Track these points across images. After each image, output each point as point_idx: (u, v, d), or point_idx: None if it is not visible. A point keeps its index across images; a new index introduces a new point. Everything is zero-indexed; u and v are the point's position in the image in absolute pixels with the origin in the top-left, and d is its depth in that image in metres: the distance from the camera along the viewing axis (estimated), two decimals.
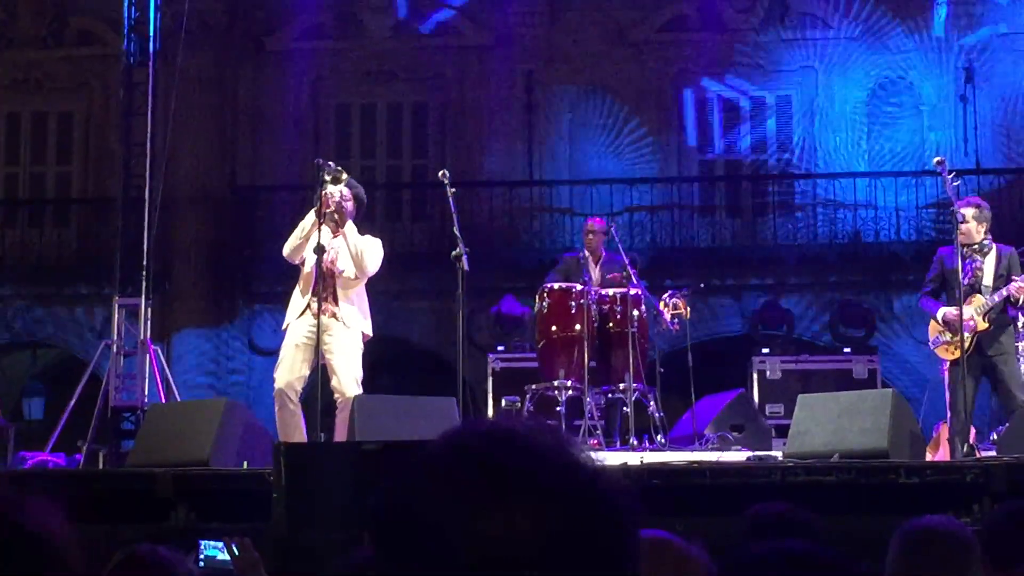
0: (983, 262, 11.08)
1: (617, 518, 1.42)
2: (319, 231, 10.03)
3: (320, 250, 9.98)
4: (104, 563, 5.08)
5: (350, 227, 10.34)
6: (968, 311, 10.83)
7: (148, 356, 15.01)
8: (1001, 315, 11.04)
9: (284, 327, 10.44)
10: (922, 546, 4.01)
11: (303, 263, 10.29)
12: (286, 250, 10.44)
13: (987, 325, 10.91)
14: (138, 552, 4.46)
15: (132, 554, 4.43)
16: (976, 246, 11.06)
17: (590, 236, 13.24)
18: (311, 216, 10.23)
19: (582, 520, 1.38)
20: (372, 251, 10.36)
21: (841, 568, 2.63)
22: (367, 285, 10.53)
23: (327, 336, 10.15)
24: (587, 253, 13.05)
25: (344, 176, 10.29)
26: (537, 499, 1.37)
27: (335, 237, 10.29)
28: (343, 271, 10.25)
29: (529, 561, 1.34)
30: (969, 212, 11.08)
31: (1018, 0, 22.11)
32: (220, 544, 5.64)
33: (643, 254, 18.19)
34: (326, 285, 10.14)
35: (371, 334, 10.50)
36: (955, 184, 10.53)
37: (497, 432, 1.46)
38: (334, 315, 10.21)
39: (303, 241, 10.23)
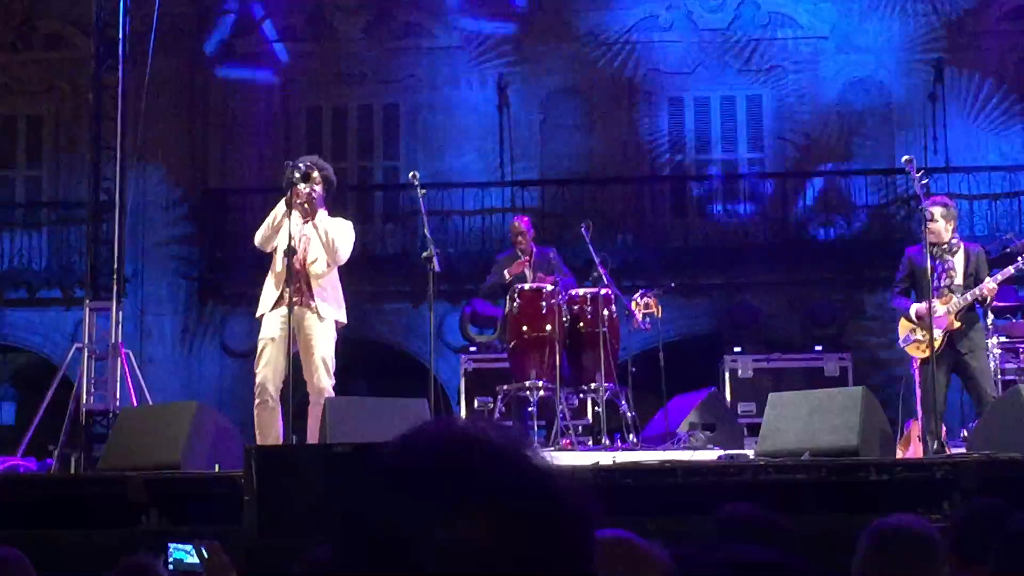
0: (953, 261, 11.14)
1: (573, 518, 1.42)
2: (289, 219, 10.02)
3: (291, 252, 9.96)
4: (80, 568, 5.09)
5: (321, 216, 10.33)
6: (941, 309, 10.91)
7: (120, 360, 14.97)
8: (970, 312, 11.10)
9: (258, 315, 10.40)
10: (888, 545, 4.03)
11: (275, 251, 10.26)
12: (257, 239, 10.43)
13: (959, 324, 10.96)
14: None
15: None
16: (945, 245, 11.13)
17: (518, 237, 13.26)
18: (281, 206, 10.21)
19: (537, 521, 1.38)
20: (343, 237, 10.33)
21: (799, 572, 2.63)
22: (339, 271, 10.52)
23: (301, 328, 10.14)
24: (519, 252, 13.10)
25: (315, 173, 10.27)
26: (490, 501, 1.37)
27: (306, 224, 10.27)
28: (315, 260, 10.23)
29: (484, 563, 1.34)
30: (937, 211, 11.13)
31: None
32: (189, 547, 5.60)
33: (614, 254, 18.20)
34: (298, 276, 10.12)
35: (345, 321, 10.49)
36: (923, 182, 10.55)
37: (450, 434, 1.45)
38: (308, 306, 10.19)
39: (273, 232, 10.21)
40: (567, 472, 1.44)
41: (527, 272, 12.71)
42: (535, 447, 1.47)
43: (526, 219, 13.84)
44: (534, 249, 13.14)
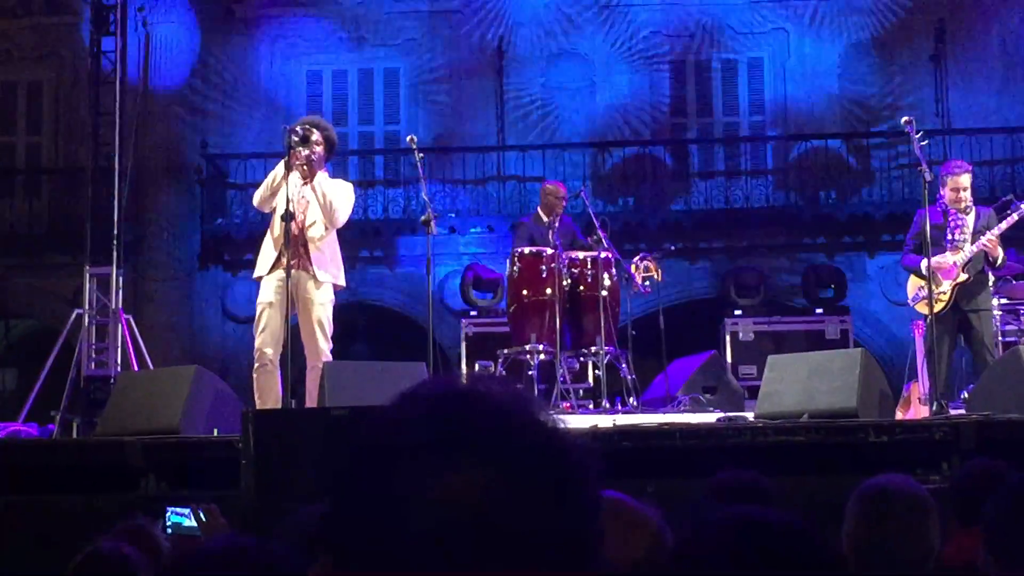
0: (966, 220, 11.31)
1: (579, 476, 1.41)
2: (287, 183, 9.97)
3: (288, 216, 9.92)
4: (79, 532, 5.08)
5: (321, 177, 10.26)
6: (951, 259, 11.10)
7: (120, 325, 14.99)
8: (980, 275, 11.21)
9: (255, 276, 10.36)
10: (879, 507, 4.02)
11: (273, 211, 10.20)
12: (255, 199, 10.38)
13: (967, 276, 11.07)
14: (102, 550, 4.43)
15: (94, 552, 4.41)
16: (963, 205, 11.27)
17: (551, 198, 13.06)
18: (281, 167, 10.14)
19: (543, 477, 1.37)
20: (342, 199, 10.25)
21: (796, 534, 2.61)
22: (339, 234, 10.48)
23: (299, 292, 10.12)
24: (542, 214, 12.96)
25: (314, 136, 10.21)
26: (496, 457, 1.36)
27: (305, 185, 10.21)
28: (313, 223, 10.18)
29: (488, 519, 1.33)
30: (968, 178, 11.38)
31: None
32: (187, 511, 5.61)
33: (615, 218, 18.20)
34: (296, 240, 10.07)
35: (344, 284, 10.45)
36: (923, 144, 10.58)
37: (455, 390, 1.44)
38: (305, 270, 10.15)
39: (272, 193, 10.14)
40: (573, 431, 1.43)
41: (550, 238, 12.57)
42: (540, 404, 1.46)
43: (561, 183, 13.75)
44: (559, 215, 13.01)
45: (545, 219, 12.80)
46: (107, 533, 4.91)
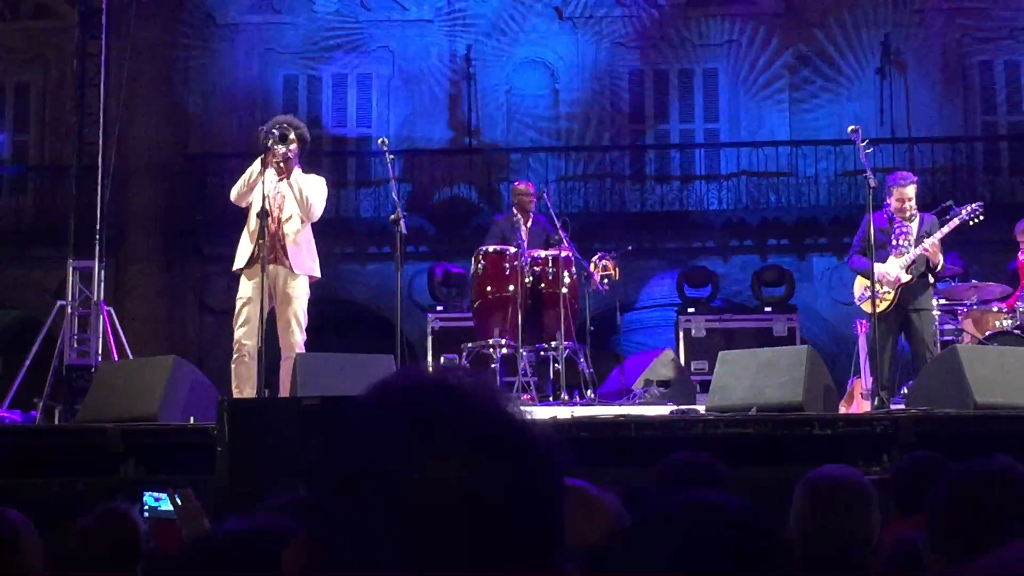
0: (910, 227, 11.38)
1: (546, 467, 1.40)
2: (263, 180, 9.96)
3: (263, 214, 9.89)
4: (61, 514, 5.05)
5: (296, 174, 10.27)
6: (896, 263, 11.16)
7: (102, 316, 14.91)
8: (922, 278, 11.27)
9: (234, 269, 10.34)
10: (824, 494, 4.04)
11: (249, 207, 10.18)
12: (233, 194, 10.36)
13: (910, 277, 11.13)
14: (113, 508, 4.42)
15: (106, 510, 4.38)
16: (908, 214, 11.35)
17: (521, 197, 13.11)
18: (257, 164, 10.14)
19: (512, 468, 1.36)
20: (316, 193, 10.28)
21: (746, 517, 2.61)
22: (314, 228, 10.48)
23: (276, 286, 10.11)
24: (517, 212, 12.96)
25: (291, 134, 10.21)
26: (466, 447, 1.35)
27: (281, 181, 10.20)
28: (290, 218, 10.17)
29: (459, 509, 1.32)
30: (913, 188, 11.49)
31: None
32: (163, 495, 5.58)
33: (575, 219, 18.15)
34: (273, 235, 10.06)
35: (319, 275, 10.45)
36: (868, 152, 10.62)
37: (426, 382, 1.43)
38: (282, 263, 10.14)
39: (248, 189, 10.13)
40: (543, 422, 1.42)
41: (523, 234, 12.57)
42: (508, 395, 1.45)
43: (530, 183, 13.76)
44: (532, 215, 13.01)
45: (518, 217, 12.81)
46: (87, 515, 4.88)
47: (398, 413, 1.38)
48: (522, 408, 1.43)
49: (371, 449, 1.36)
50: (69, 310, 15.13)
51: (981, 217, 11.71)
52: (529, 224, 12.72)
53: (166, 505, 5.64)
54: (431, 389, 1.41)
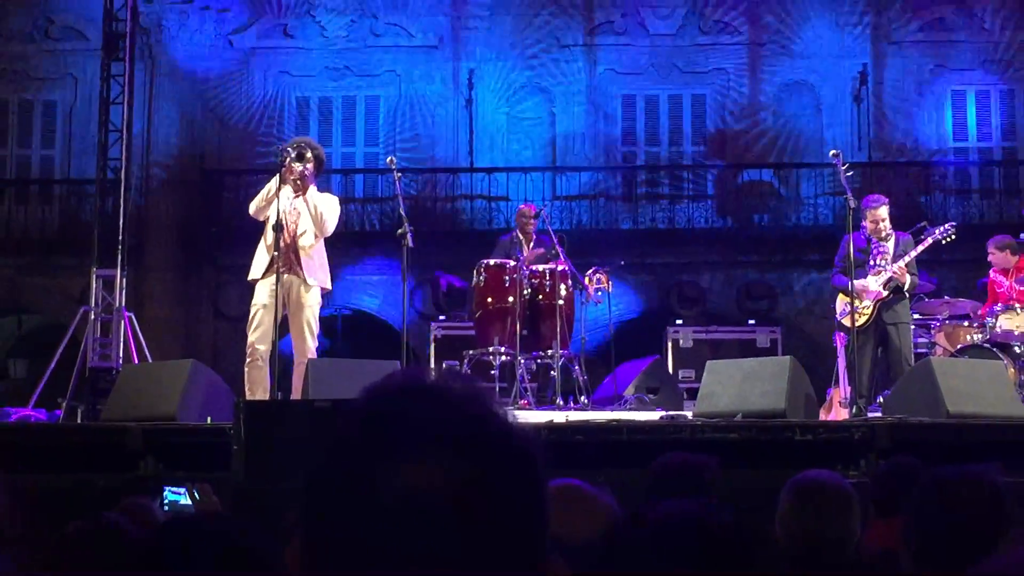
0: (887, 246, 11.42)
1: (530, 467, 1.39)
2: (279, 196, 9.99)
3: (279, 227, 9.92)
4: (83, 507, 5.04)
5: (311, 191, 10.29)
6: (875, 281, 11.18)
7: (123, 322, 14.92)
8: (898, 293, 11.31)
9: (249, 279, 10.34)
10: (808, 496, 4.04)
11: (266, 221, 10.20)
12: (251, 209, 10.37)
13: (887, 294, 11.15)
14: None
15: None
16: (883, 234, 11.37)
17: (522, 219, 13.18)
18: (275, 181, 10.18)
19: (497, 469, 1.35)
20: (330, 210, 10.31)
21: (721, 528, 2.63)
22: (326, 242, 10.50)
23: (290, 295, 10.12)
24: (519, 234, 13.00)
25: (308, 153, 10.24)
26: (453, 448, 1.34)
27: (297, 198, 10.22)
28: (304, 232, 10.19)
29: (447, 508, 1.31)
30: (886, 210, 11.55)
31: None
32: (182, 489, 5.58)
33: (570, 235, 18.18)
34: (287, 247, 10.09)
35: (330, 287, 10.47)
36: (847, 175, 10.65)
37: (412, 385, 1.42)
38: (296, 274, 10.16)
39: (267, 204, 10.16)
40: (523, 426, 1.41)
41: (526, 252, 12.57)
42: (494, 399, 1.44)
43: (532, 205, 13.76)
44: (534, 235, 13.01)
45: (521, 237, 12.84)
46: (111, 508, 4.87)
47: (389, 416, 1.37)
48: (507, 411, 1.43)
49: (360, 451, 1.36)
50: (92, 316, 15.14)
51: (953, 236, 11.75)
52: (531, 244, 12.74)
53: (185, 499, 5.64)
54: (420, 394, 1.40)
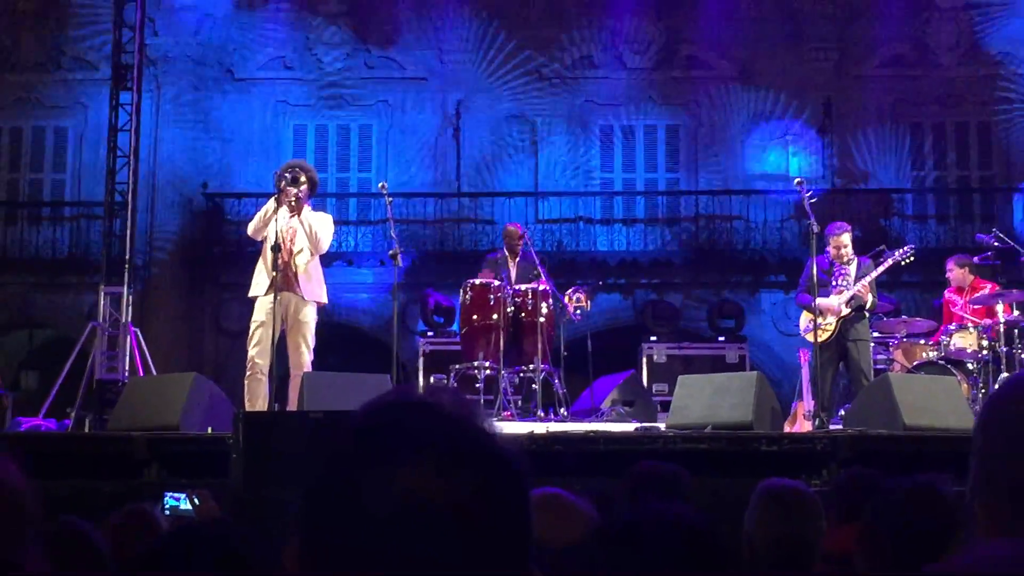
0: (848, 269, 11.43)
1: (514, 477, 1.41)
2: (276, 217, 10.00)
3: (276, 248, 9.92)
4: (90, 511, 5.02)
5: (306, 211, 10.28)
6: (837, 300, 11.22)
7: (129, 337, 14.89)
8: (859, 311, 11.32)
9: (250, 295, 10.32)
10: (775, 503, 4.06)
11: (264, 241, 10.19)
12: (249, 229, 10.36)
13: (849, 311, 11.19)
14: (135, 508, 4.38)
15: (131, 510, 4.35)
16: (845, 259, 11.41)
17: (509, 239, 13.09)
18: (271, 203, 10.17)
19: (484, 478, 1.37)
20: (324, 229, 10.30)
21: (701, 530, 2.63)
22: (321, 260, 10.50)
23: (288, 311, 10.11)
24: (507, 253, 12.97)
25: (302, 176, 10.25)
26: (444, 459, 1.35)
27: (292, 217, 10.21)
28: (300, 251, 10.18)
29: (431, 512, 1.33)
30: (848, 236, 11.60)
31: None
32: (182, 495, 5.56)
33: (551, 257, 18.25)
34: (285, 265, 10.07)
35: (326, 301, 10.45)
36: (811, 201, 10.67)
37: (408, 401, 1.44)
38: (294, 291, 10.14)
39: (264, 225, 10.15)
40: (507, 437, 1.43)
41: (512, 270, 12.56)
42: (481, 413, 1.46)
43: (519, 225, 13.72)
44: (520, 254, 12.95)
45: (507, 256, 12.83)
46: (115, 512, 4.87)
47: (383, 428, 1.38)
48: (492, 424, 1.44)
49: (358, 461, 1.37)
50: (100, 331, 15.11)
51: (912, 258, 11.79)
52: (517, 261, 12.73)
53: (185, 505, 5.63)
54: (413, 407, 1.42)
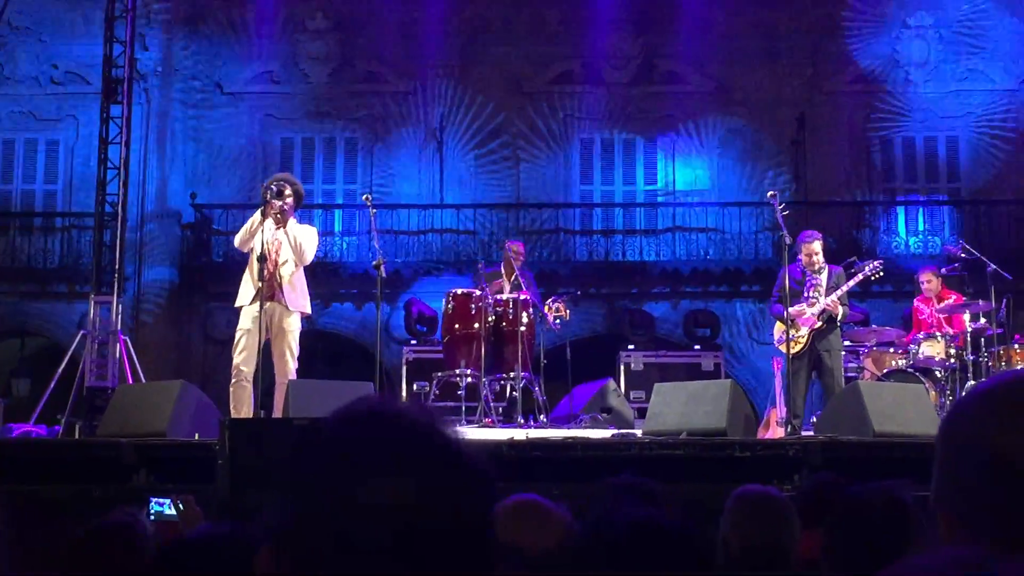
0: (820, 279, 11.41)
1: (478, 481, 1.42)
2: (263, 228, 9.99)
3: (262, 258, 9.90)
4: (77, 515, 5.01)
5: (292, 224, 10.26)
6: (809, 311, 11.22)
7: (119, 344, 14.85)
8: (831, 321, 11.33)
9: (236, 305, 10.31)
10: (750, 508, 4.08)
11: (251, 252, 10.18)
12: (236, 241, 10.34)
13: (821, 324, 11.18)
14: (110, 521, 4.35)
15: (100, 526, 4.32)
16: (816, 266, 11.39)
17: (511, 256, 12.83)
18: (257, 215, 10.16)
19: (448, 483, 1.38)
20: (309, 241, 10.28)
21: (677, 531, 2.65)
22: (306, 271, 10.49)
23: (273, 320, 10.10)
24: (504, 267, 12.89)
25: (288, 189, 10.23)
26: (410, 466, 1.37)
27: (278, 229, 10.20)
28: (285, 262, 10.17)
29: (400, 517, 1.34)
30: (818, 244, 11.55)
31: None
32: (167, 501, 5.55)
33: (532, 267, 18.21)
34: (270, 276, 10.06)
35: (310, 312, 10.44)
36: (784, 214, 10.70)
37: (377, 410, 1.45)
38: (279, 301, 10.13)
39: (250, 236, 10.13)
40: (474, 445, 1.44)
41: (505, 286, 12.54)
42: (447, 422, 1.47)
43: (521, 243, 13.65)
44: (517, 270, 12.87)
45: (504, 271, 12.80)
46: (101, 517, 4.84)
47: (353, 438, 1.40)
48: (457, 432, 1.46)
49: (331, 467, 1.38)
50: (90, 339, 15.06)
51: (881, 273, 11.81)
52: (513, 279, 12.65)
53: (170, 510, 5.62)
54: (381, 418, 1.43)
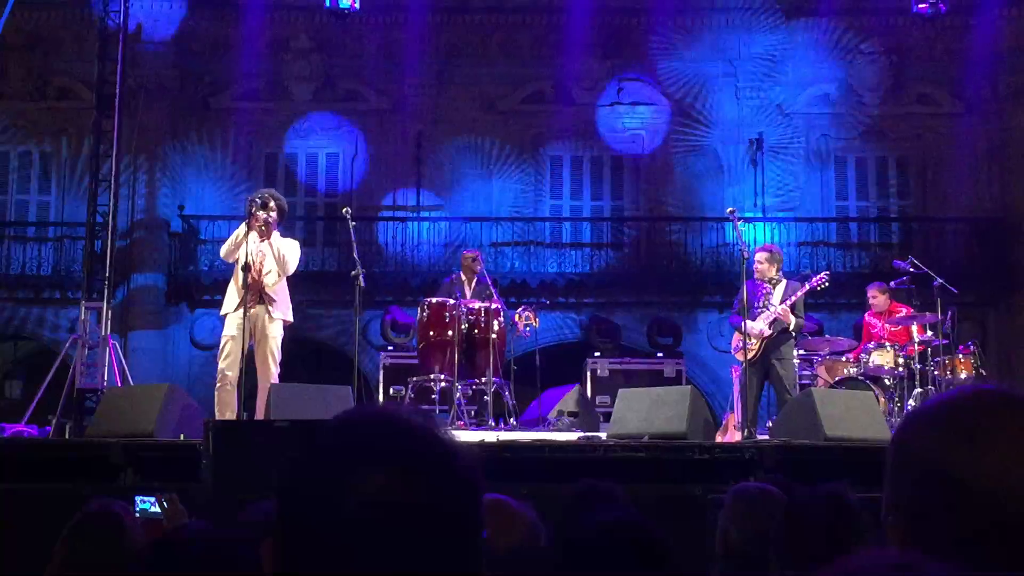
0: (774, 291, 11.43)
1: (469, 482, 1.44)
2: (247, 240, 9.98)
3: (247, 268, 9.89)
4: (67, 513, 4.98)
5: (275, 236, 10.27)
6: (761, 321, 11.24)
7: (108, 349, 14.78)
8: (784, 333, 11.36)
9: (222, 313, 10.30)
10: (748, 503, 4.12)
11: (236, 262, 10.17)
12: (222, 252, 10.34)
13: (772, 332, 11.22)
14: (94, 508, 4.33)
15: (88, 511, 4.30)
16: (771, 280, 11.41)
17: (467, 262, 13.00)
18: (243, 227, 10.16)
19: (441, 483, 1.40)
20: (292, 254, 10.29)
21: (641, 530, 2.67)
22: (288, 280, 10.48)
23: (256, 327, 10.08)
24: (462, 275, 12.95)
25: (272, 203, 10.23)
26: (407, 466, 1.38)
27: (262, 242, 10.20)
28: (269, 272, 10.16)
29: (401, 517, 1.35)
30: (763, 256, 11.57)
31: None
32: (152, 499, 5.53)
33: (503, 277, 18.30)
34: (254, 285, 10.07)
35: (292, 320, 10.43)
36: (743, 229, 10.74)
37: (377, 414, 1.47)
38: (263, 307, 10.12)
39: (235, 247, 10.13)
40: (464, 446, 1.46)
41: (467, 292, 12.54)
42: (440, 426, 1.49)
43: (476, 250, 13.69)
44: (475, 276, 12.90)
45: (464, 278, 12.82)
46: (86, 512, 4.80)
47: (350, 439, 1.41)
48: (448, 433, 1.47)
49: (330, 466, 1.39)
50: (81, 343, 14.99)
51: (827, 284, 11.83)
52: (473, 284, 12.70)
53: (154, 507, 5.59)
54: (378, 421, 1.44)
